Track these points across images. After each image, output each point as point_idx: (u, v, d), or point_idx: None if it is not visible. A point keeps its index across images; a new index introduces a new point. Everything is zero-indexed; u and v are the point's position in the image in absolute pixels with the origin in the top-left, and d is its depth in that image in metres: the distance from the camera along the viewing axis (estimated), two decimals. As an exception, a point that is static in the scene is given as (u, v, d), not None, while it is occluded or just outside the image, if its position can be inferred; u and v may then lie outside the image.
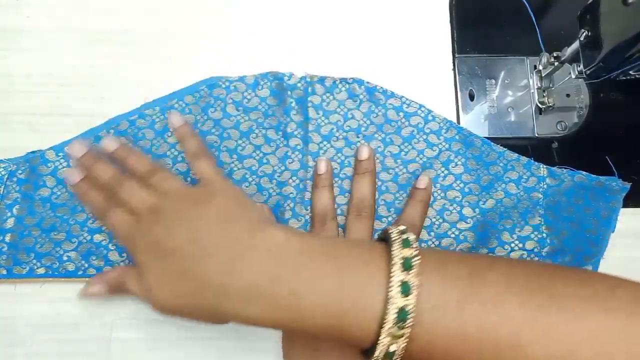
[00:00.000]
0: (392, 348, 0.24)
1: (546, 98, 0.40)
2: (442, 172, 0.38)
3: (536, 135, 0.41)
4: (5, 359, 0.35)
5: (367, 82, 0.40)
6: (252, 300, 0.26)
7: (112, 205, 0.32)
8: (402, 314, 0.24)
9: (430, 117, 0.39)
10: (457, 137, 0.39)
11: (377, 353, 0.24)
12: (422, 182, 0.37)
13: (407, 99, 0.39)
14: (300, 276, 0.26)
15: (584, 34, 0.33)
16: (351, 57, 0.42)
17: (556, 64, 0.38)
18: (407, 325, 0.24)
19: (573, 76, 0.36)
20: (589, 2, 0.33)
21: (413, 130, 0.39)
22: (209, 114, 0.39)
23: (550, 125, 0.41)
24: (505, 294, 0.24)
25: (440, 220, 0.38)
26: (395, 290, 0.24)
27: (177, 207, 0.30)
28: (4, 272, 0.36)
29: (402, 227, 0.27)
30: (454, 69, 0.42)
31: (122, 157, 0.35)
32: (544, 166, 0.39)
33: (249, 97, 0.39)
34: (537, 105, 0.41)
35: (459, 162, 0.39)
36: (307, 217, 0.37)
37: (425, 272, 0.25)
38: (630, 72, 0.33)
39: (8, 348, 0.35)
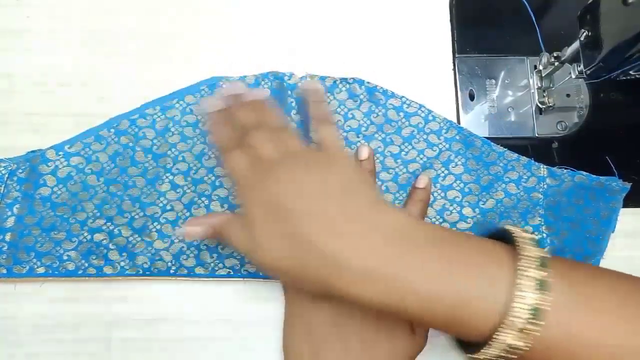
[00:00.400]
0: (518, 343, 0.24)
1: (546, 98, 0.40)
2: (442, 172, 0.38)
3: (536, 135, 0.41)
4: (5, 359, 0.35)
5: (368, 82, 0.40)
6: (368, 281, 0.25)
7: (236, 147, 0.32)
8: (535, 311, 0.24)
9: (430, 117, 0.39)
10: (457, 137, 0.39)
11: (493, 348, 0.24)
12: (422, 182, 0.37)
13: (407, 99, 0.39)
14: (426, 263, 0.25)
15: (584, 34, 0.33)
16: (351, 57, 0.42)
17: (556, 64, 0.38)
18: (538, 324, 0.24)
19: (573, 76, 0.36)
20: (589, 2, 0.33)
21: (413, 130, 0.39)
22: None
23: (550, 125, 0.41)
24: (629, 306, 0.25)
25: (440, 220, 0.38)
26: (529, 286, 0.24)
27: (299, 168, 0.29)
28: (4, 271, 0.36)
29: (525, 228, 0.27)
30: (454, 69, 0.42)
31: (256, 108, 0.35)
32: (544, 166, 0.39)
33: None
34: (537, 105, 0.41)
35: (459, 162, 0.39)
36: None
37: (557, 275, 0.25)
38: (630, 72, 0.33)
39: (8, 348, 0.35)
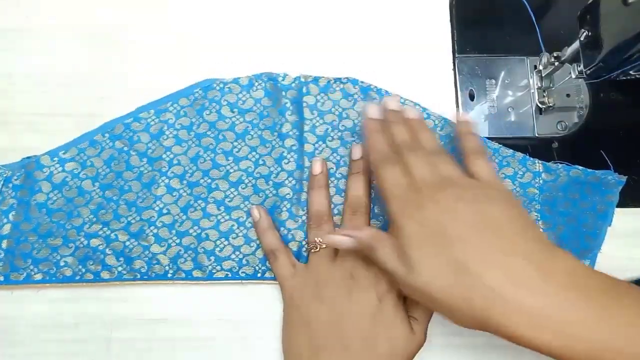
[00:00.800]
0: None
1: (546, 98, 0.40)
2: None
3: (536, 135, 0.41)
4: (5, 359, 0.35)
5: (362, 82, 0.40)
6: (538, 325, 0.25)
7: (393, 163, 0.32)
8: None
9: (425, 115, 0.39)
10: (452, 134, 0.39)
11: None
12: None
13: (402, 98, 0.39)
14: (600, 312, 0.25)
15: (584, 34, 0.33)
16: (351, 57, 0.42)
17: (556, 64, 0.38)
18: None
19: (573, 76, 0.36)
20: (589, 2, 0.33)
21: None
22: (204, 116, 0.39)
23: (550, 125, 0.41)
24: None
25: None
26: None
27: (461, 196, 0.29)
28: (1, 278, 0.35)
29: None
30: (454, 69, 0.42)
31: (413, 128, 0.35)
32: (540, 161, 0.39)
33: (243, 98, 0.39)
34: (537, 105, 0.41)
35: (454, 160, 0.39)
36: (304, 217, 0.37)
37: None
38: (630, 72, 0.33)
39: (8, 348, 0.35)
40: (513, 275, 0.26)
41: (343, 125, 0.39)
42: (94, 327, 0.36)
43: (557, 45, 0.38)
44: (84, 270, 0.36)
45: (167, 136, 0.38)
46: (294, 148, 0.38)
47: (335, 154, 0.39)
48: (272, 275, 0.36)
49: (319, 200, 0.36)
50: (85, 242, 0.36)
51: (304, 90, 0.39)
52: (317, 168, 0.37)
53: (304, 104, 0.39)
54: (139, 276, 0.36)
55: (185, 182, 0.38)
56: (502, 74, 0.42)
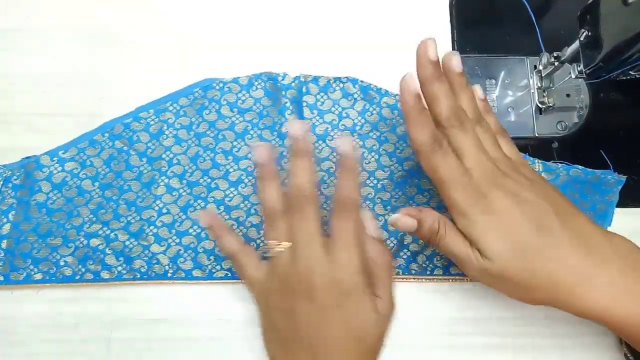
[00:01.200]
0: None
1: (546, 98, 0.40)
2: None
3: (536, 135, 0.41)
4: (5, 359, 0.35)
5: (361, 81, 0.40)
6: (612, 296, 0.28)
7: (444, 145, 0.30)
8: None
9: None
10: None
11: None
12: (346, 147, 0.32)
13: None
14: None
15: (584, 34, 0.33)
16: (351, 56, 0.42)
17: (556, 64, 0.38)
18: None
19: (573, 76, 0.36)
20: (589, 2, 0.33)
21: None
22: (204, 115, 0.39)
23: (550, 125, 0.41)
24: None
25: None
26: None
27: (518, 179, 0.30)
28: (1, 278, 0.35)
29: None
30: (454, 69, 0.42)
31: (457, 91, 0.33)
32: (539, 161, 0.39)
33: (243, 98, 0.39)
34: (537, 105, 0.41)
35: None
36: None
37: None
38: (630, 72, 0.33)
39: (8, 348, 0.35)
40: (588, 251, 0.28)
41: (343, 125, 0.39)
42: (94, 327, 0.36)
43: (557, 45, 0.38)
44: (83, 270, 0.36)
45: (166, 136, 0.38)
46: None
47: (335, 154, 0.39)
48: None
49: (271, 196, 0.32)
50: (85, 242, 0.36)
51: (304, 89, 0.39)
52: (263, 155, 0.33)
53: (304, 104, 0.39)
54: (138, 276, 0.36)
55: (184, 181, 0.38)
56: (502, 74, 0.42)
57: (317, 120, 0.39)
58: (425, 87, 0.31)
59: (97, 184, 0.37)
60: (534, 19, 0.42)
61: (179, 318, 0.36)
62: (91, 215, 0.37)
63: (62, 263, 0.36)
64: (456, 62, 0.33)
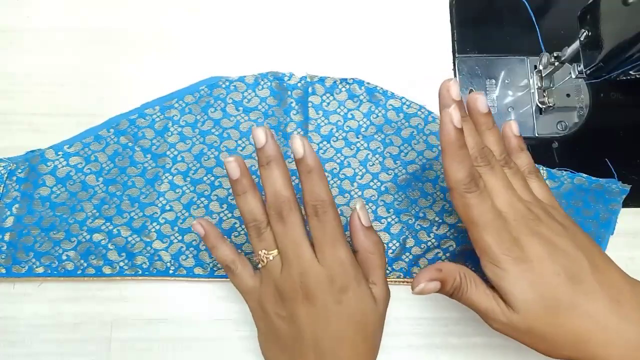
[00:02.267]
0: None
1: (546, 98, 0.40)
2: (442, 173, 0.38)
3: (536, 135, 0.41)
4: (5, 359, 0.35)
5: (367, 83, 0.40)
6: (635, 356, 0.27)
7: (480, 185, 0.29)
8: None
9: (430, 119, 0.39)
10: None
11: None
12: (298, 149, 0.30)
13: (407, 100, 0.39)
14: None
15: (584, 34, 0.33)
16: (352, 57, 0.42)
17: (556, 64, 0.38)
18: None
19: (573, 76, 0.36)
20: (589, 2, 0.33)
21: (413, 132, 0.39)
22: (209, 113, 0.39)
23: (550, 125, 0.41)
24: None
25: (440, 222, 0.38)
26: None
27: (552, 226, 0.29)
28: (3, 271, 0.36)
29: None
30: (454, 69, 0.42)
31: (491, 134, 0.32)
32: (544, 168, 0.39)
33: (249, 97, 0.39)
34: (537, 105, 0.41)
35: None
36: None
37: None
38: (631, 72, 0.33)
39: (8, 348, 0.35)
40: (620, 308, 0.27)
41: (348, 126, 0.39)
42: (94, 327, 0.36)
43: (557, 45, 0.38)
44: (85, 264, 0.36)
45: (171, 133, 0.38)
46: None
47: (339, 155, 0.39)
48: None
49: (251, 208, 0.31)
50: (88, 237, 0.36)
51: (310, 90, 0.39)
52: (235, 171, 0.31)
53: (309, 104, 0.39)
54: (140, 272, 0.36)
55: (188, 179, 0.38)
56: (502, 74, 0.42)
57: (323, 121, 0.39)
58: None
59: (101, 179, 0.37)
60: (534, 19, 0.42)
61: (179, 318, 0.36)
62: (94, 210, 0.37)
63: (64, 257, 0.36)
64: (481, 102, 0.32)
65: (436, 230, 0.37)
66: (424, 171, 0.38)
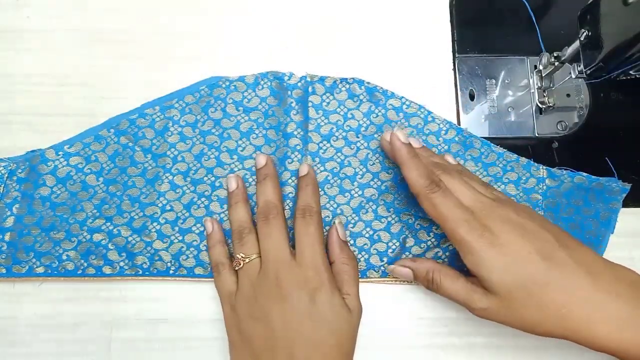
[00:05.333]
0: None
1: (546, 98, 0.40)
2: None
3: (536, 135, 0.41)
4: (5, 359, 0.35)
5: (367, 82, 0.40)
6: (620, 327, 0.28)
7: (442, 187, 0.32)
8: None
9: (430, 119, 0.39)
10: (456, 138, 0.39)
11: None
12: (303, 170, 0.37)
13: (407, 100, 0.39)
14: None
15: (584, 34, 0.33)
16: (352, 56, 0.42)
17: (556, 64, 0.38)
18: None
19: (573, 76, 0.36)
20: (589, 2, 0.33)
21: (412, 131, 0.39)
22: (209, 113, 0.39)
23: (550, 125, 0.41)
24: None
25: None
26: None
27: (514, 207, 0.32)
28: (3, 270, 0.36)
29: None
30: (454, 69, 0.42)
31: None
32: (544, 167, 0.39)
33: (249, 97, 0.39)
34: (537, 105, 0.41)
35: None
36: None
37: None
38: (630, 72, 0.33)
39: (8, 348, 0.35)
40: (595, 282, 0.28)
41: (348, 126, 0.39)
42: (94, 327, 0.36)
43: (557, 45, 0.38)
44: (86, 264, 0.36)
45: (171, 133, 0.38)
46: (298, 148, 0.38)
47: (339, 154, 0.39)
48: None
49: (239, 216, 0.36)
50: (88, 237, 0.36)
51: (310, 89, 0.39)
52: (233, 184, 0.37)
53: (310, 104, 0.39)
54: (140, 272, 0.36)
55: (189, 179, 0.38)
56: (502, 74, 0.42)
57: (323, 121, 0.39)
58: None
59: (101, 179, 0.37)
60: (534, 19, 0.42)
61: (179, 318, 0.36)
62: (95, 210, 0.37)
63: (64, 257, 0.36)
64: (414, 140, 0.36)
65: (436, 229, 0.37)
66: None
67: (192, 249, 0.37)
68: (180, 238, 0.37)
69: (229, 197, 0.37)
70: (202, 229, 0.37)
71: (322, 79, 0.40)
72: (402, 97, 0.39)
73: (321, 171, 0.38)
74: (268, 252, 0.33)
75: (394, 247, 0.37)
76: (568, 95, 0.42)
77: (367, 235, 0.37)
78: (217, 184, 0.38)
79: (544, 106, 0.41)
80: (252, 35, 0.42)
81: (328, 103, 0.39)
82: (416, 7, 0.43)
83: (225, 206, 0.37)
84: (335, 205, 0.38)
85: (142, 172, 0.38)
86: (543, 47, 0.41)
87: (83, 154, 0.38)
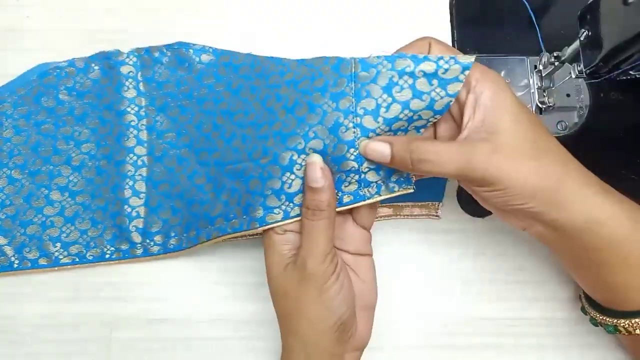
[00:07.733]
0: None
1: (546, 98, 0.40)
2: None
3: (536, 135, 0.41)
4: (5, 359, 0.35)
5: (193, 44, 0.38)
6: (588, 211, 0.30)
7: None
8: None
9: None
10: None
11: None
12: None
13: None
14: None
15: (584, 33, 0.33)
16: (351, 56, 0.42)
17: (556, 63, 0.38)
18: None
19: (573, 76, 0.36)
20: (589, 2, 0.33)
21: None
22: (42, 103, 0.39)
23: (550, 125, 0.41)
24: None
25: None
26: None
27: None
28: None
29: None
30: (454, 69, 0.42)
31: None
32: (355, 59, 0.30)
33: (81, 81, 0.39)
34: (537, 105, 0.41)
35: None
36: (147, 194, 0.37)
37: None
38: (630, 72, 0.33)
39: (8, 348, 0.35)
40: (564, 169, 0.30)
41: (181, 92, 0.38)
42: (94, 327, 0.36)
43: (557, 45, 0.38)
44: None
45: (6, 127, 0.38)
46: (132, 124, 0.38)
47: (176, 124, 0.37)
48: (119, 257, 0.37)
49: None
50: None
51: (139, 63, 0.39)
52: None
53: (140, 78, 0.39)
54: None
55: (26, 171, 0.38)
56: (502, 74, 0.42)
57: (157, 93, 0.38)
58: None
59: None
60: (534, 19, 0.42)
61: (179, 318, 0.36)
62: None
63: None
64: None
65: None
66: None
67: (35, 240, 0.37)
68: (22, 231, 0.37)
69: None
70: (43, 219, 0.37)
71: (147, 50, 0.39)
72: (233, 53, 0.37)
73: (160, 144, 0.37)
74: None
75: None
76: (568, 95, 0.42)
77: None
78: (55, 172, 0.38)
79: (544, 106, 0.41)
80: (252, 35, 0.42)
81: (160, 74, 0.39)
82: (416, 7, 0.43)
83: (66, 194, 0.37)
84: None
85: None
86: (543, 47, 0.41)
87: None
